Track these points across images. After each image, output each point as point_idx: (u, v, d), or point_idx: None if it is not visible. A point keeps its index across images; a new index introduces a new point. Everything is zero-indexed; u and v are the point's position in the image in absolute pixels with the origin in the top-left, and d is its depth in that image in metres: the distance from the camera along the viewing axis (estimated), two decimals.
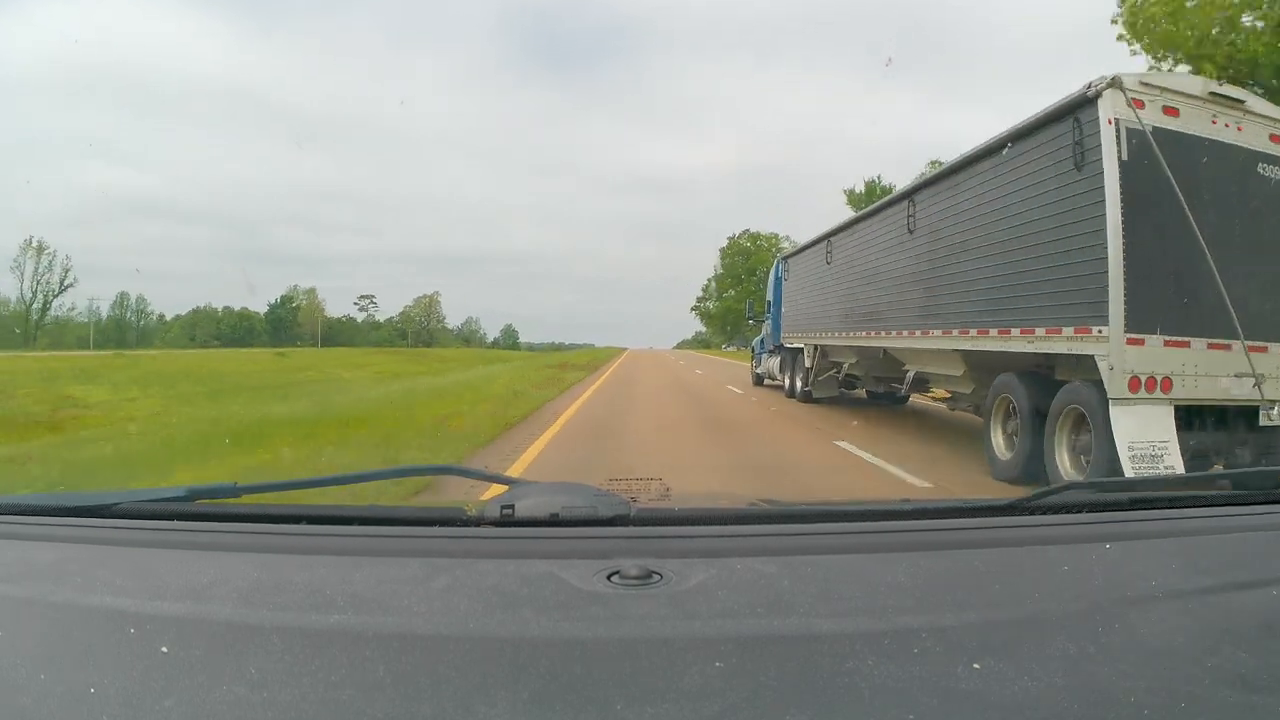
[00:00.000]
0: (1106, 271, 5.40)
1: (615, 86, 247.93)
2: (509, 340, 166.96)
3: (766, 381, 18.59)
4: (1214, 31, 14.65)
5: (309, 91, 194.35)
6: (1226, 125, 5.80)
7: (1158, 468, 5.34)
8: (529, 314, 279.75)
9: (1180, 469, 5.32)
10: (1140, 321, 5.43)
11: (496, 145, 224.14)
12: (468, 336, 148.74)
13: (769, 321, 17.62)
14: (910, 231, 8.94)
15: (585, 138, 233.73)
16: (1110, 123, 5.42)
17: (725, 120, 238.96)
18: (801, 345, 14.54)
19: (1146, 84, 5.63)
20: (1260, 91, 12.36)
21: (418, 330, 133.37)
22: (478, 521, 1.12)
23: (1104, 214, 5.42)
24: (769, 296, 17.84)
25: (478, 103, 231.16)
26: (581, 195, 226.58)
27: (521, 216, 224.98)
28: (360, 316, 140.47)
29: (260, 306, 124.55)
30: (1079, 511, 1.21)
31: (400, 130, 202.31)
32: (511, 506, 1.10)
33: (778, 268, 17.10)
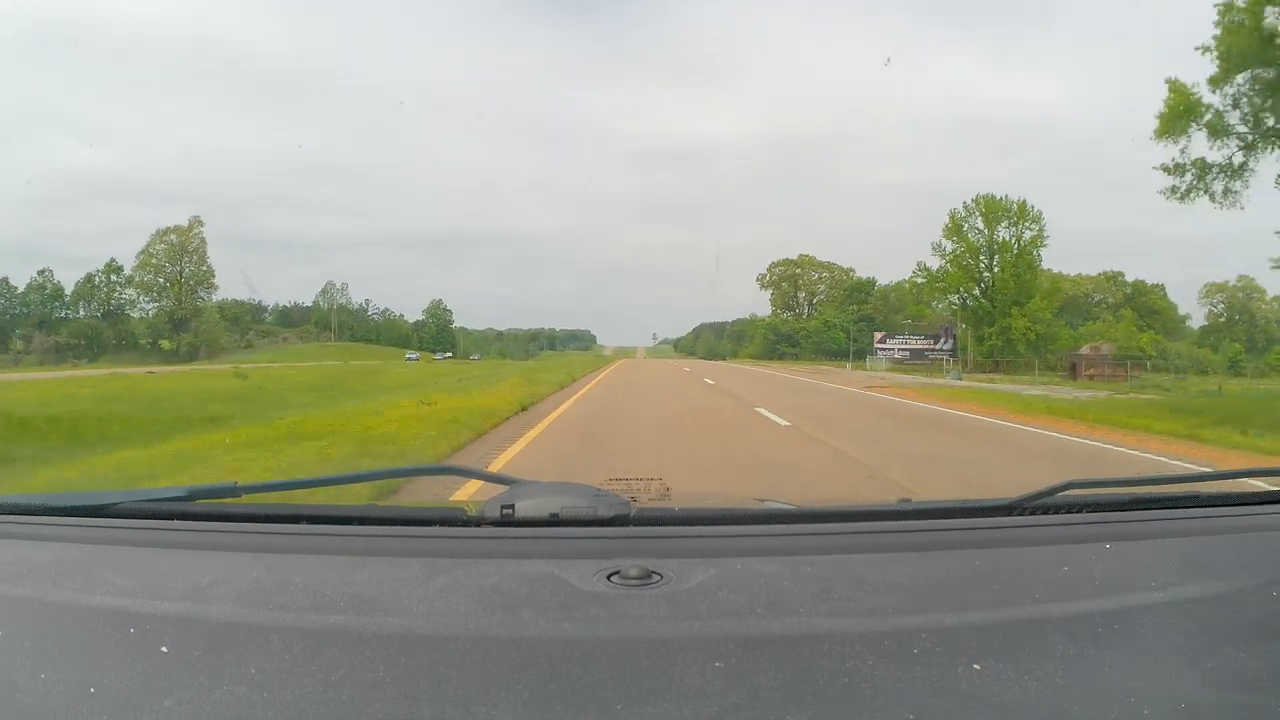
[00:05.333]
0: None
1: (633, 37, 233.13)
2: (437, 325, 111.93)
3: None
4: None
5: (286, 50, 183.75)
6: None
7: None
8: (530, 301, 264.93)
9: None
10: None
11: (497, 112, 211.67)
12: (323, 318, 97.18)
13: None
14: None
15: (598, 100, 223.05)
16: None
17: (757, 79, 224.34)
18: None
19: None
20: None
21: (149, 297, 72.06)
22: (478, 521, 1.12)
23: None
24: None
25: (479, 59, 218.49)
26: (590, 169, 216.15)
27: (527, 194, 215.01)
28: None
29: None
30: (1079, 511, 1.21)
31: (394, 95, 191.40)
32: (511, 506, 1.10)
33: None
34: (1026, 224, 57.29)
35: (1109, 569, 1.02)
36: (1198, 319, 79.82)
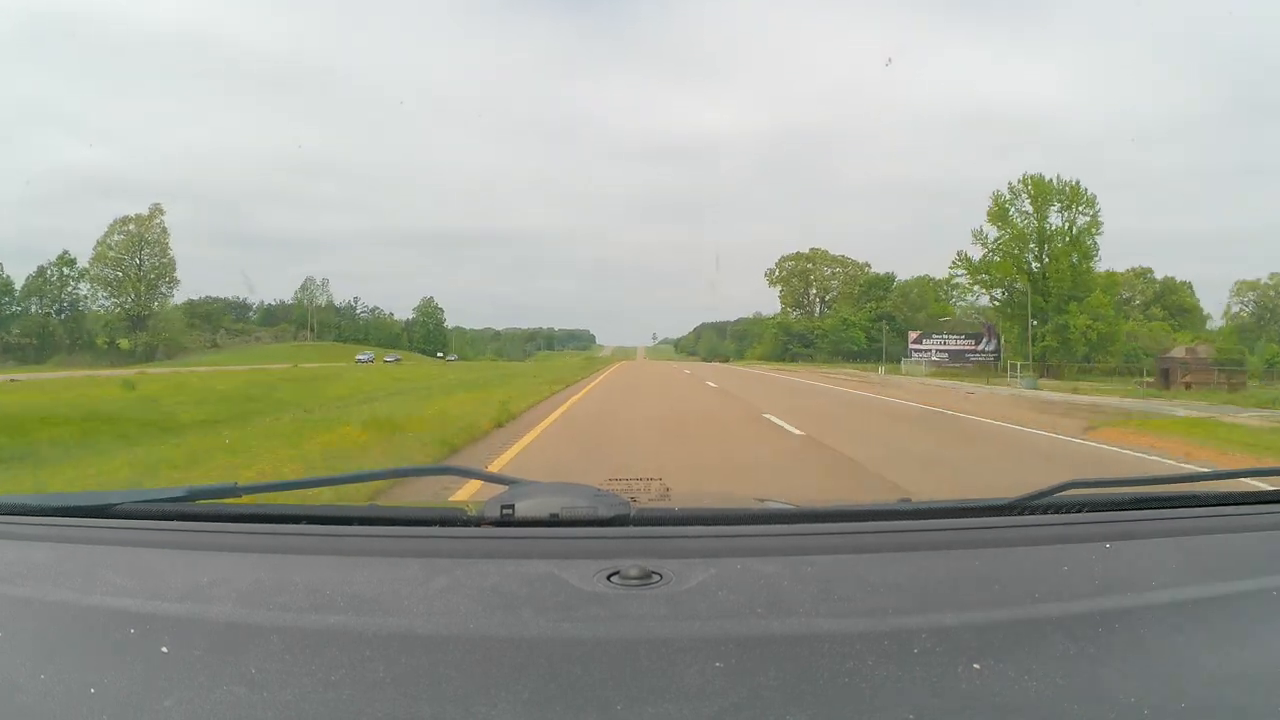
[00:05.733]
0: None
1: (633, 35, 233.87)
2: (429, 324, 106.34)
3: None
4: None
5: (285, 49, 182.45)
6: None
7: None
8: (529, 301, 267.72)
9: None
10: None
11: (497, 112, 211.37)
12: (303, 316, 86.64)
13: None
14: None
15: (598, 98, 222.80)
16: None
17: (758, 74, 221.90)
18: None
19: None
20: None
21: None
22: (478, 521, 1.12)
23: None
24: None
25: (479, 58, 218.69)
26: (590, 167, 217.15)
27: (527, 194, 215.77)
28: None
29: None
30: (1078, 511, 1.21)
31: (394, 94, 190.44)
32: (511, 506, 1.10)
33: None
34: (1080, 208, 50.81)
35: (1109, 569, 1.02)
36: (1217, 318, 77.52)
